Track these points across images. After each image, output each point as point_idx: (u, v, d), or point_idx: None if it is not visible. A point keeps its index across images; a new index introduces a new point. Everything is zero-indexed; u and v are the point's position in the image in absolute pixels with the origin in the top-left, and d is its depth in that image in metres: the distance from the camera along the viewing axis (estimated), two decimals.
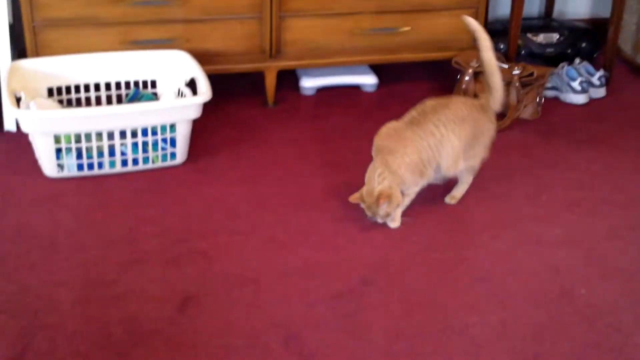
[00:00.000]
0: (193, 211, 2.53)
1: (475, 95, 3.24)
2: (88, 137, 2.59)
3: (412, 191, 2.48)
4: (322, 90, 3.41)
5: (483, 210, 2.61)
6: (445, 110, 2.47)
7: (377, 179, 2.37)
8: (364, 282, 2.23)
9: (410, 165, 2.41)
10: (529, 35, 3.59)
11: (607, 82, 3.50)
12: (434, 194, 2.64)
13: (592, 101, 3.39)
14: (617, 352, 2.02)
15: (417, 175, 2.44)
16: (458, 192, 2.63)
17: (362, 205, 2.42)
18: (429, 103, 2.51)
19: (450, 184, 2.64)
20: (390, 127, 2.48)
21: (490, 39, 2.51)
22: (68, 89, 2.91)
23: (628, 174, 2.87)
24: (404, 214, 2.49)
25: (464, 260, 2.35)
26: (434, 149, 2.43)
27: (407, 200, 2.49)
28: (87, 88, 2.93)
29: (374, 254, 2.36)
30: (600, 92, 3.44)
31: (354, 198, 2.43)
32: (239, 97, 3.31)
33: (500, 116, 3.18)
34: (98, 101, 2.95)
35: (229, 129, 3.05)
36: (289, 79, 3.44)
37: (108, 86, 2.95)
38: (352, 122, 3.16)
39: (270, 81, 3.22)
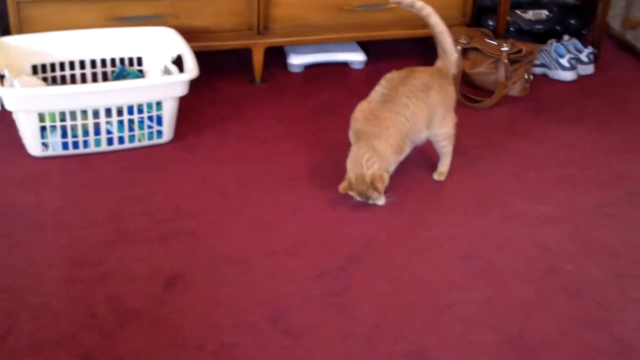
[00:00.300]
0: (180, 190, 2.51)
1: (464, 72, 3.24)
2: (73, 115, 2.57)
3: (392, 169, 2.48)
4: (310, 68, 3.39)
5: (470, 187, 2.61)
6: (412, 81, 2.48)
7: (365, 164, 2.37)
8: (351, 261, 2.23)
9: (394, 147, 2.41)
10: (518, 11, 3.57)
11: (596, 59, 3.49)
12: (420, 171, 2.63)
13: (580, 78, 3.39)
14: (603, 327, 2.03)
15: (399, 154, 2.45)
16: (444, 166, 2.63)
17: (352, 193, 2.41)
18: (394, 76, 2.51)
19: (434, 160, 2.63)
20: (365, 109, 2.47)
21: (427, 5, 2.54)
22: (53, 67, 2.88)
23: (615, 151, 2.87)
24: (387, 193, 2.48)
25: (451, 238, 2.35)
26: (410, 121, 2.43)
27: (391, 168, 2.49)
28: (72, 65, 2.90)
29: (362, 232, 2.36)
30: (589, 69, 3.43)
31: (343, 188, 2.41)
32: (226, 74, 3.29)
33: (488, 93, 3.18)
34: (83, 79, 2.92)
35: (216, 106, 3.03)
36: (276, 56, 3.42)
37: (93, 63, 2.93)
38: (340, 99, 3.14)
39: (258, 58, 3.20)
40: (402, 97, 2.44)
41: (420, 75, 2.50)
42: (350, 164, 2.41)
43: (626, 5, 3.63)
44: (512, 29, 3.54)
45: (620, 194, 2.61)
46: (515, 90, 3.22)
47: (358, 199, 2.41)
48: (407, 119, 2.43)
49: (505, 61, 3.15)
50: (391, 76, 2.52)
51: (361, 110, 2.47)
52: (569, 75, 3.36)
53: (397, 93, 2.45)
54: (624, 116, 3.13)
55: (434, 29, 2.55)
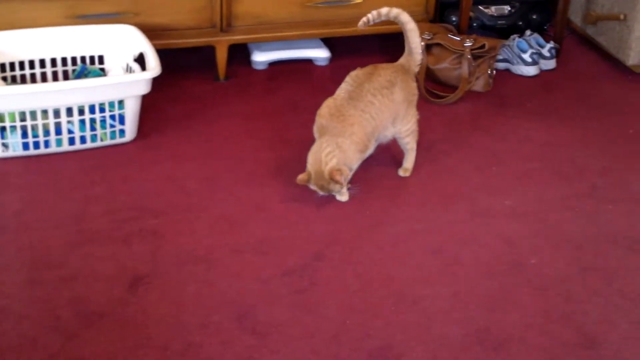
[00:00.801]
0: (143, 189, 2.49)
1: (428, 68, 3.25)
2: (33, 115, 2.54)
3: (355, 166, 2.48)
4: (274, 65, 3.38)
5: (435, 182, 2.61)
6: (377, 78, 2.48)
7: (324, 158, 2.36)
8: (317, 258, 2.23)
9: (358, 144, 2.41)
10: (481, 7, 3.59)
11: (557, 54, 3.51)
12: (385, 167, 2.63)
13: (542, 73, 3.41)
14: (567, 319, 2.05)
15: (362, 152, 2.45)
16: (408, 162, 2.64)
17: (311, 186, 2.41)
18: (359, 73, 2.52)
19: (399, 157, 2.64)
20: (330, 105, 2.46)
21: (393, 8, 2.55)
22: (12, 66, 2.83)
23: (577, 145, 2.89)
24: (350, 186, 2.48)
25: (416, 234, 2.36)
26: (375, 118, 2.43)
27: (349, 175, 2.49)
28: (32, 64, 2.86)
29: (326, 229, 2.36)
30: (551, 64, 3.46)
31: (300, 180, 2.41)
32: (189, 72, 3.27)
33: (452, 88, 3.19)
34: (44, 78, 2.88)
35: (179, 104, 3.01)
36: (240, 53, 3.40)
37: (54, 62, 2.89)
38: (304, 97, 3.14)
39: (221, 56, 3.18)
40: (367, 95, 2.44)
41: (384, 72, 2.50)
42: (311, 157, 2.40)
43: (586, 0, 3.67)
44: (475, 24, 3.56)
45: (583, 188, 2.63)
46: (478, 85, 3.23)
47: (321, 193, 2.41)
48: (372, 117, 2.43)
49: (469, 57, 3.16)
50: (356, 73, 2.52)
51: (327, 106, 2.47)
52: (531, 70, 3.39)
53: (362, 90, 2.45)
54: (585, 110, 3.16)
55: (404, 27, 2.55)
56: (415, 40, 2.55)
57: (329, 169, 2.35)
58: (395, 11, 2.53)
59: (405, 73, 2.55)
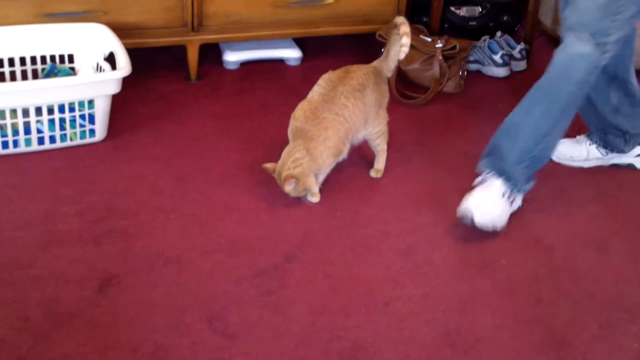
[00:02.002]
0: (113, 189, 2.47)
1: (400, 69, 3.25)
2: (2, 114, 2.51)
3: (328, 169, 2.48)
4: (246, 64, 3.37)
5: (406, 184, 2.62)
6: (349, 81, 2.48)
7: (290, 164, 2.37)
8: (288, 259, 2.22)
9: (331, 149, 2.41)
10: (452, 8, 3.60)
11: (528, 55, 3.54)
12: (357, 168, 2.64)
13: (513, 74, 3.43)
14: (537, 322, 2.06)
15: (336, 157, 2.45)
16: (379, 163, 2.64)
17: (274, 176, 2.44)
18: (332, 76, 2.51)
19: (370, 158, 2.64)
20: (305, 108, 2.46)
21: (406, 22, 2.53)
22: None
23: None
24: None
25: (387, 235, 2.36)
26: (349, 121, 2.43)
27: (321, 178, 2.49)
28: (0, 63, 2.83)
29: (298, 230, 2.35)
30: (521, 65, 3.48)
31: (266, 167, 2.45)
32: (160, 71, 3.25)
33: (423, 89, 3.20)
34: (12, 77, 2.85)
35: (150, 104, 2.99)
36: (212, 52, 3.39)
37: (23, 61, 2.85)
38: (276, 97, 3.13)
39: (193, 55, 3.17)
40: (341, 98, 2.44)
41: (357, 74, 2.50)
42: (282, 156, 2.42)
43: (557, 1, 3.70)
44: (446, 25, 3.57)
45: (552, 189, 2.65)
46: (449, 86, 3.25)
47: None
48: (346, 120, 2.43)
49: (440, 58, 3.17)
50: (329, 76, 2.52)
51: (301, 109, 2.47)
52: (502, 72, 3.41)
53: (336, 93, 2.45)
54: None
55: (393, 34, 2.53)
56: (396, 48, 2.54)
57: (286, 175, 2.36)
58: (400, 19, 2.51)
59: (377, 75, 2.55)
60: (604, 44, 2.17)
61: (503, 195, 2.36)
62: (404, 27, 2.50)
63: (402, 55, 2.53)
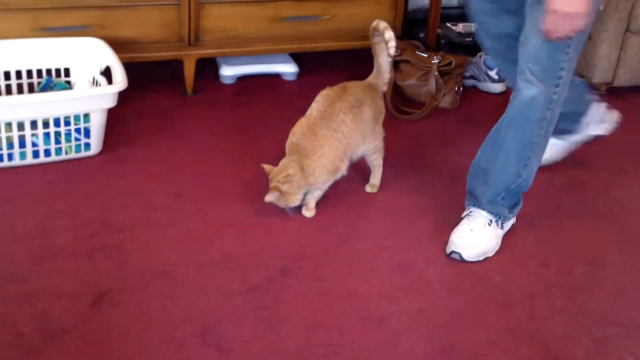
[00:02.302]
0: (108, 203, 2.47)
1: (396, 84, 3.26)
2: None
3: (325, 186, 2.48)
4: (242, 79, 3.38)
5: (402, 199, 2.62)
6: (347, 97, 2.48)
7: (282, 178, 2.37)
8: (283, 274, 2.22)
9: (326, 166, 2.41)
10: (449, 24, 3.62)
11: None
12: (353, 183, 2.64)
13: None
14: (531, 337, 2.05)
15: (332, 174, 2.45)
16: (375, 179, 2.65)
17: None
18: (329, 92, 2.51)
19: (366, 173, 2.64)
20: (303, 124, 2.46)
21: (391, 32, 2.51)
22: None
23: None
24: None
25: (382, 250, 2.36)
26: (347, 137, 2.43)
27: (317, 193, 2.49)
28: None
29: (293, 244, 2.35)
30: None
31: (264, 167, 2.45)
32: (157, 86, 3.26)
33: (419, 105, 3.20)
34: (8, 90, 2.85)
35: (146, 118, 3.00)
36: (208, 67, 3.40)
37: (19, 74, 2.86)
38: (272, 112, 3.13)
39: (189, 70, 3.17)
40: (339, 114, 2.44)
41: (354, 90, 2.50)
42: (279, 165, 2.42)
43: None
44: (442, 41, 3.59)
45: (546, 205, 2.65)
46: (445, 102, 3.25)
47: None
48: (344, 136, 2.43)
49: (436, 73, 3.18)
50: (326, 93, 2.52)
51: (299, 125, 2.47)
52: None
53: (334, 110, 2.45)
54: None
55: (377, 46, 2.53)
56: (385, 60, 2.55)
57: (273, 186, 2.37)
58: (382, 25, 2.49)
59: (373, 91, 2.55)
60: (556, 77, 2.16)
61: (490, 224, 2.37)
62: (388, 33, 2.48)
63: (392, 51, 2.50)
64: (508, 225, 2.44)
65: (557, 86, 2.17)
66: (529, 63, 2.15)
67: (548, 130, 2.26)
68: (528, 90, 2.17)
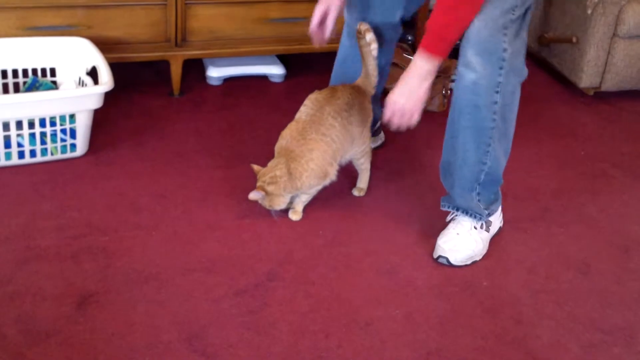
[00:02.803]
0: (93, 205, 2.45)
1: (383, 87, 3.25)
2: None
3: (313, 190, 2.47)
4: (229, 80, 3.37)
5: (389, 203, 2.61)
6: (336, 101, 2.47)
7: (268, 178, 2.36)
8: (269, 278, 2.21)
9: (314, 171, 2.40)
10: None
11: None
12: (340, 187, 2.63)
13: None
14: (518, 343, 2.05)
15: (320, 178, 2.44)
16: (362, 182, 2.64)
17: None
18: (318, 96, 2.50)
19: (353, 176, 2.64)
20: (292, 128, 2.45)
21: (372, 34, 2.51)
22: None
23: (530, 167, 2.92)
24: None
25: (369, 254, 2.35)
26: (337, 141, 2.42)
27: (305, 197, 2.49)
28: None
29: (280, 248, 2.34)
30: None
31: (253, 167, 2.45)
32: (143, 86, 3.24)
33: None
34: None
35: (132, 119, 2.98)
36: (195, 68, 3.38)
37: (4, 74, 2.83)
38: (259, 113, 3.12)
39: (176, 70, 3.16)
40: (329, 118, 2.43)
41: (343, 94, 2.50)
42: (267, 166, 2.41)
43: (540, 22, 3.72)
44: None
45: (534, 210, 2.65)
46: (433, 105, 3.25)
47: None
48: (333, 140, 2.42)
49: None
50: (315, 97, 2.51)
51: (289, 128, 2.46)
52: None
53: (323, 113, 2.44)
54: (538, 131, 3.20)
55: (364, 49, 2.53)
56: (372, 63, 2.55)
57: (259, 186, 2.37)
58: (364, 27, 2.48)
59: (361, 94, 2.55)
60: (499, 59, 2.12)
61: (475, 228, 2.36)
62: (369, 35, 2.47)
63: (374, 53, 2.51)
64: (495, 228, 2.44)
65: (501, 68, 2.13)
66: (468, 46, 2.13)
67: (504, 115, 2.22)
68: (468, 74, 2.14)
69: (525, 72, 2.24)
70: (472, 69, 2.13)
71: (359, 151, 2.55)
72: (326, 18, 2.50)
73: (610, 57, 3.41)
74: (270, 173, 2.37)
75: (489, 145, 2.24)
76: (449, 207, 2.41)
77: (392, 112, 2.24)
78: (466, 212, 2.37)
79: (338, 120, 2.44)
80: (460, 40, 2.17)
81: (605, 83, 3.47)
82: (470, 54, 2.12)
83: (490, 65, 2.12)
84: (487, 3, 2.09)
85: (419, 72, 2.21)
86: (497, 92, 2.15)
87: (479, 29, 2.09)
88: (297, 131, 2.43)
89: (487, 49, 2.10)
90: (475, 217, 2.36)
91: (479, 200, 2.34)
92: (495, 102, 2.17)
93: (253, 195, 2.37)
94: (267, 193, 2.36)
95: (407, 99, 2.22)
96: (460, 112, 2.22)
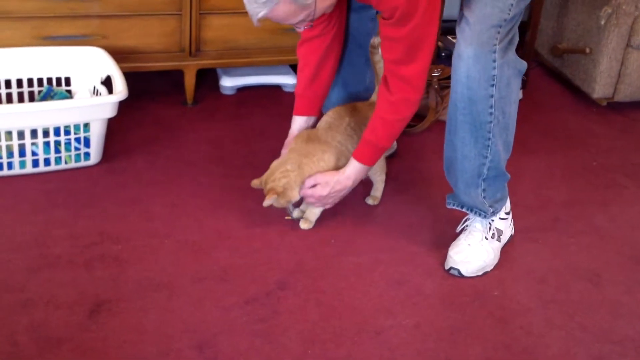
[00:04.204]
0: (106, 213, 2.47)
1: None
2: None
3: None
4: (243, 90, 3.38)
5: (401, 212, 2.62)
6: (358, 113, 2.51)
7: (278, 175, 2.37)
8: (280, 286, 2.22)
9: (323, 170, 2.40)
10: (450, 37, 3.62)
11: (524, 85, 3.55)
12: (351, 196, 2.63)
13: None
14: (528, 353, 2.05)
15: None
16: (377, 191, 2.65)
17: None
18: (339, 109, 2.53)
19: (365, 186, 2.64)
20: (310, 131, 2.49)
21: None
22: None
23: (541, 177, 2.92)
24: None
25: (380, 264, 2.36)
26: (351, 152, 2.43)
27: (317, 210, 2.49)
28: None
29: (291, 257, 2.35)
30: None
31: (254, 183, 2.44)
32: (157, 95, 3.26)
33: (420, 118, 3.21)
34: (9, 98, 2.86)
35: (146, 128, 3.00)
36: (209, 77, 3.40)
37: (20, 83, 2.86)
38: (272, 123, 3.14)
39: (190, 80, 3.18)
40: (348, 128, 2.46)
41: (363, 109, 2.53)
42: (270, 168, 2.42)
43: (553, 33, 3.72)
44: (443, 54, 3.59)
45: (545, 220, 2.65)
46: (445, 115, 3.24)
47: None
48: (348, 150, 2.44)
49: (436, 86, 3.18)
50: (337, 109, 2.54)
51: (306, 131, 2.51)
52: None
53: (342, 123, 2.47)
54: (550, 142, 3.20)
55: (377, 64, 2.55)
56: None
57: (269, 188, 2.37)
58: (377, 41, 2.51)
59: None
60: (492, 52, 2.13)
61: (486, 239, 2.36)
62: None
63: (380, 72, 2.53)
64: (506, 237, 2.44)
65: (494, 61, 2.13)
66: (462, 40, 2.14)
67: (504, 109, 2.21)
68: (461, 68, 2.15)
69: (523, 64, 2.25)
70: (465, 63, 2.14)
71: (375, 169, 2.56)
72: None
73: (623, 67, 3.40)
74: (281, 168, 2.38)
75: (489, 139, 2.24)
76: (454, 205, 2.41)
77: (319, 195, 2.39)
78: (471, 209, 2.36)
79: (357, 132, 2.45)
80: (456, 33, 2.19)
81: (618, 94, 3.46)
82: (463, 47, 2.14)
83: (484, 58, 2.13)
84: (482, 1, 2.12)
85: (356, 177, 2.41)
86: (492, 85, 2.16)
87: (473, 24, 2.11)
88: (314, 134, 2.45)
89: (480, 43, 2.12)
90: (480, 214, 2.36)
91: (484, 197, 2.33)
92: (491, 96, 2.17)
93: (267, 202, 2.37)
94: (279, 192, 2.36)
95: (335, 194, 2.41)
96: (455, 106, 2.23)
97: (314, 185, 2.38)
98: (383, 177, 2.63)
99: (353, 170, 2.38)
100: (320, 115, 2.57)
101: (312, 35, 2.43)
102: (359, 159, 2.36)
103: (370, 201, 2.65)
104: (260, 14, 2.04)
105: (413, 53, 2.16)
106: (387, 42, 2.19)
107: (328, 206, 2.45)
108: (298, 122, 2.54)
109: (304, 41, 2.47)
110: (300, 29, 2.20)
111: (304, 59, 2.49)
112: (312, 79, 2.49)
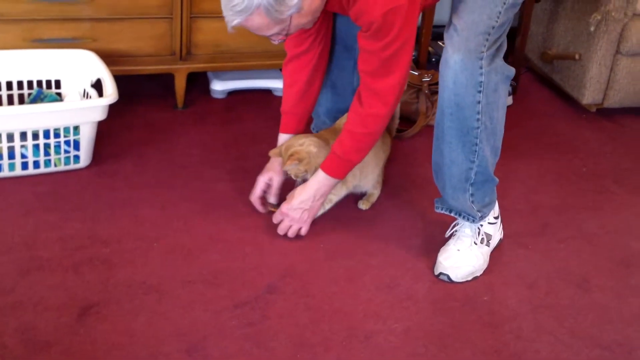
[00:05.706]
0: (96, 216, 2.46)
1: None
2: None
3: (331, 197, 2.48)
4: (233, 94, 3.38)
5: (391, 217, 2.62)
6: None
7: (297, 142, 2.41)
8: (270, 290, 2.21)
9: None
10: (440, 42, 3.63)
11: (514, 91, 3.56)
12: (341, 201, 2.63)
13: None
14: (517, 358, 2.06)
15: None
16: (371, 197, 2.66)
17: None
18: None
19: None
20: (327, 128, 2.55)
21: None
22: None
23: (531, 182, 2.93)
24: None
25: (370, 268, 2.36)
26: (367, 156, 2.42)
27: (327, 206, 2.50)
28: None
29: (281, 261, 2.35)
30: (508, 101, 3.49)
31: (274, 152, 2.47)
32: (147, 99, 3.25)
33: (410, 123, 3.21)
34: None
35: (136, 131, 2.99)
36: (199, 81, 3.40)
37: (9, 85, 2.85)
38: (263, 127, 3.13)
39: (180, 83, 3.17)
40: None
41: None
42: (286, 144, 2.46)
43: (543, 39, 3.73)
44: (433, 59, 3.60)
45: (535, 225, 2.66)
46: (434, 120, 3.25)
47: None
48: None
49: (427, 92, 3.19)
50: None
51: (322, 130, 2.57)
52: None
53: None
54: (540, 147, 3.20)
55: None
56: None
57: (293, 150, 2.38)
58: None
59: (384, 136, 2.62)
60: (479, 59, 2.14)
61: (475, 244, 2.37)
62: None
63: None
64: (495, 241, 2.44)
65: (481, 67, 2.14)
66: (450, 46, 2.15)
67: (491, 114, 2.22)
68: (448, 73, 2.16)
69: (511, 70, 2.26)
70: (452, 69, 2.15)
71: (371, 183, 2.59)
72: (269, 187, 2.54)
73: (612, 74, 3.41)
74: (299, 140, 2.41)
75: (476, 145, 2.24)
76: (442, 209, 2.42)
77: (291, 219, 2.40)
78: (459, 214, 2.37)
79: (374, 149, 2.45)
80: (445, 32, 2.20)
81: (608, 100, 3.48)
82: (450, 54, 2.14)
83: (471, 65, 2.14)
84: (471, 7, 2.13)
85: (324, 190, 2.40)
86: (479, 91, 2.17)
87: (461, 30, 2.12)
88: (332, 129, 2.51)
89: (467, 50, 2.13)
90: (468, 219, 2.36)
91: (472, 202, 2.34)
92: (479, 102, 2.18)
93: (287, 167, 2.38)
94: (302, 159, 2.37)
95: (308, 212, 2.41)
96: (443, 112, 2.24)
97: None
98: (378, 191, 2.64)
99: (316, 178, 2.37)
100: (306, 130, 2.58)
101: (299, 52, 2.45)
102: (325, 170, 2.35)
103: (362, 205, 2.65)
104: (234, 22, 2.05)
105: (387, 67, 2.17)
106: (363, 54, 2.20)
107: (304, 227, 2.43)
108: (285, 140, 2.53)
109: (291, 59, 2.49)
110: (275, 42, 2.21)
111: (292, 77, 2.50)
112: (301, 96, 2.50)
